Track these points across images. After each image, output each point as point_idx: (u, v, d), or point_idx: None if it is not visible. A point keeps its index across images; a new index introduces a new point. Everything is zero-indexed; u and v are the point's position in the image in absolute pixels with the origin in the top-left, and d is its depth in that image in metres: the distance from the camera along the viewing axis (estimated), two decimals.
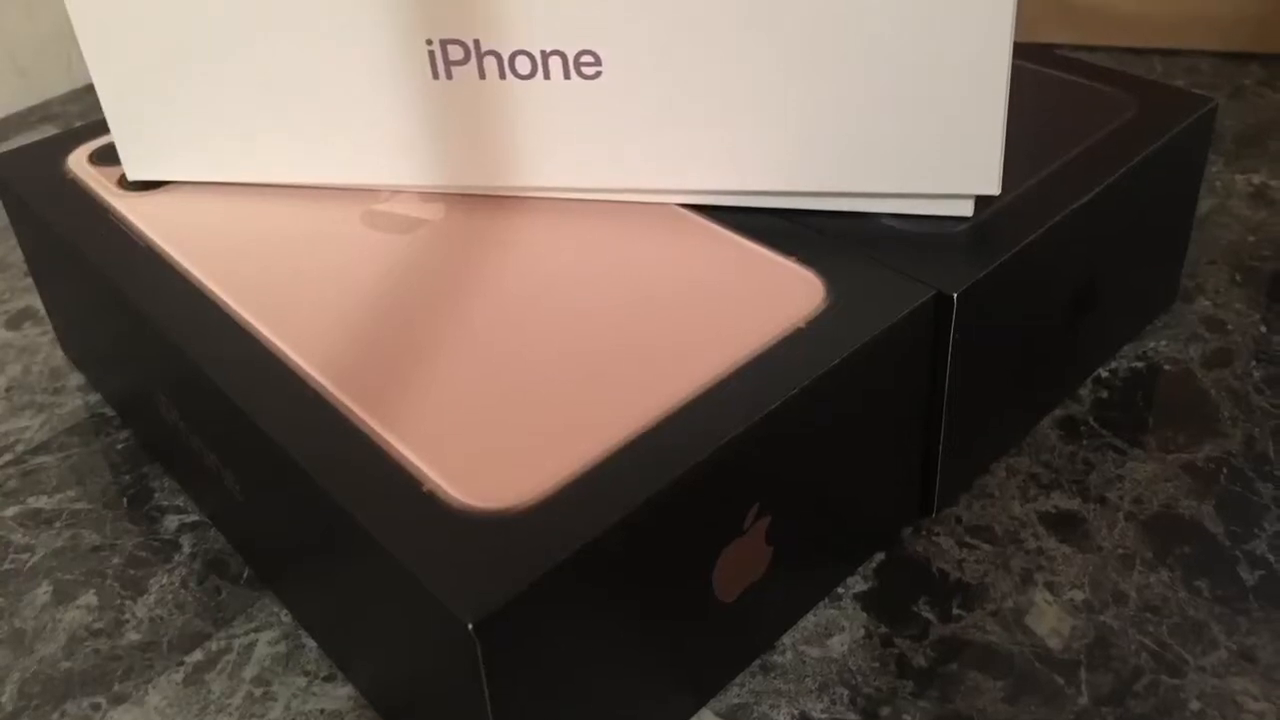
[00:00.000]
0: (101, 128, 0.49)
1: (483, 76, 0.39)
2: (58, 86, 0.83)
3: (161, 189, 0.45)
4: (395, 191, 0.43)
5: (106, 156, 0.48)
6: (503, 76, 0.39)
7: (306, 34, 0.40)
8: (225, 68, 0.42)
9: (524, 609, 0.28)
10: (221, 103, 0.42)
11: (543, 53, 0.38)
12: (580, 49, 0.38)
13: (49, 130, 0.76)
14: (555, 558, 0.28)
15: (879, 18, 0.36)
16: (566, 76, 0.39)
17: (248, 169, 0.44)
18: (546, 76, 0.39)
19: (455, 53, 0.39)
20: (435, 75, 0.40)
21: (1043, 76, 0.49)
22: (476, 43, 0.39)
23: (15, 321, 0.57)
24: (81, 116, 0.78)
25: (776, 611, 0.38)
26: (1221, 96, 0.69)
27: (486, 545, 0.29)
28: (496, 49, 0.39)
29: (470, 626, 0.27)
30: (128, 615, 0.40)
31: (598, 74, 0.38)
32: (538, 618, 0.29)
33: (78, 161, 0.48)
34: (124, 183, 0.46)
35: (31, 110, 0.80)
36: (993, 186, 0.38)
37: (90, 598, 0.41)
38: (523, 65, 0.39)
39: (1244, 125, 0.66)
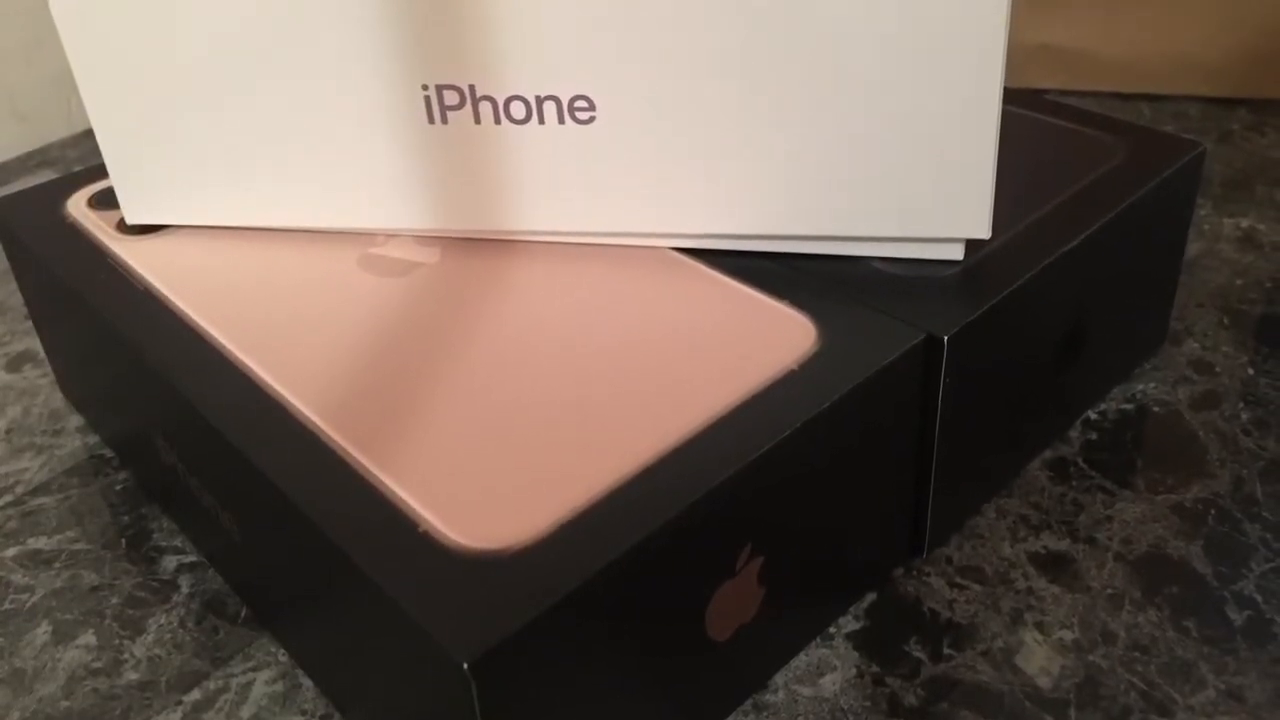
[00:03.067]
0: (100, 172, 0.50)
1: (478, 121, 0.40)
2: (57, 131, 0.83)
3: (160, 233, 0.46)
4: (391, 235, 0.44)
5: (106, 201, 0.48)
6: (498, 121, 0.40)
7: (304, 80, 0.41)
8: (222, 114, 0.42)
9: (519, 649, 0.28)
10: (219, 148, 0.43)
11: (537, 98, 0.39)
12: (574, 94, 0.39)
13: (49, 175, 0.77)
14: (550, 598, 0.29)
15: (870, 66, 0.36)
16: (561, 121, 0.39)
17: (245, 213, 0.45)
18: (541, 121, 0.39)
19: (451, 98, 0.40)
20: (431, 120, 0.40)
21: (1032, 121, 0.50)
22: (472, 88, 0.39)
23: (15, 364, 0.58)
24: (81, 161, 0.78)
25: (769, 651, 0.38)
26: (1209, 141, 0.70)
27: (482, 585, 0.29)
28: (492, 94, 0.39)
29: (465, 666, 0.27)
30: (126, 655, 0.41)
31: (591, 119, 0.39)
32: (533, 657, 0.29)
33: (77, 205, 0.49)
34: (123, 227, 0.47)
35: (31, 155, 0.81)
36: (983, 230, 0.39)
37: (89, 637, 0.41)
38: (517, 110, 0.39)
39: (1232, 170, 0.66)
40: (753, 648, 0.37)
